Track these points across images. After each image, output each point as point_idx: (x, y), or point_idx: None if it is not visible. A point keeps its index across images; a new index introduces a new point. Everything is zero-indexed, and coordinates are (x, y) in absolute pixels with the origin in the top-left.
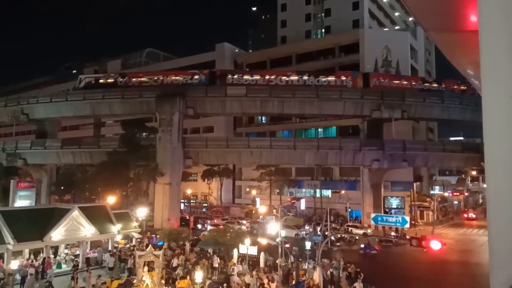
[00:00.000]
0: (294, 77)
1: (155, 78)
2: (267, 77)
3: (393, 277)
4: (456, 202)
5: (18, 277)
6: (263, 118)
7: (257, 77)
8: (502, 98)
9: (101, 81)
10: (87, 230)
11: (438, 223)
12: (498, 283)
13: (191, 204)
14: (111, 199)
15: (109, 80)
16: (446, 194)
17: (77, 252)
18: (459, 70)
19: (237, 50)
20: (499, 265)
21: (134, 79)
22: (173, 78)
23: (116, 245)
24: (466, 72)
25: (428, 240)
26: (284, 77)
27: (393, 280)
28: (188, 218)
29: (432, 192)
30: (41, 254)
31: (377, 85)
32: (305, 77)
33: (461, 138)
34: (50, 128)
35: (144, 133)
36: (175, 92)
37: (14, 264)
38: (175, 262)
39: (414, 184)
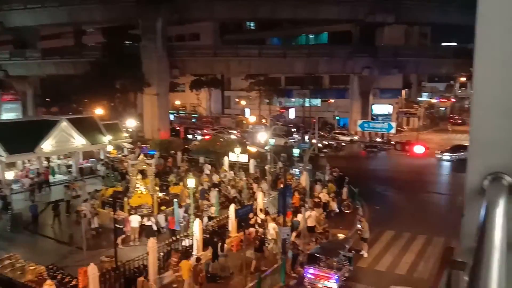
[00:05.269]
0: None
1: None
2: None
3: (375, 179)
4: (443, 109)
5: (15, 187)
6: (252, 25)
7: None
8: None
9: None
10: (78, 141)
11: (423, 129)
12: (474, 171)
13: (181, 115)
14: (99, 111)
15: None
16: (433, 100)
17: (70, 163)
18: None
19: None
20: (477, 153)
21: None
22: None
23: (108, 155)
24: None
25: (411, 145)
26: None
27: (375, 182)
28: (178, 128)
29: (420, 99)
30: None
31: None
32: None
33: (454, 43)
34: (30, 38)
35: (128, 42)
36: None
37: (10, 175)
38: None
39: (403, 91)
